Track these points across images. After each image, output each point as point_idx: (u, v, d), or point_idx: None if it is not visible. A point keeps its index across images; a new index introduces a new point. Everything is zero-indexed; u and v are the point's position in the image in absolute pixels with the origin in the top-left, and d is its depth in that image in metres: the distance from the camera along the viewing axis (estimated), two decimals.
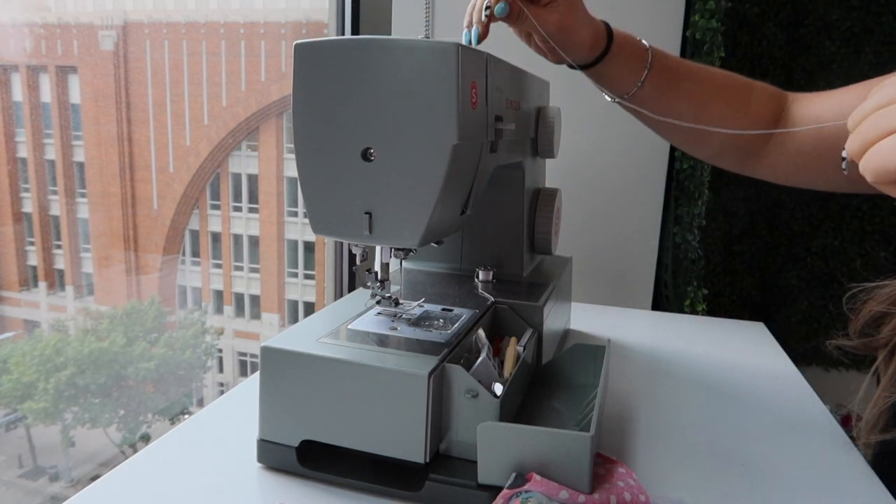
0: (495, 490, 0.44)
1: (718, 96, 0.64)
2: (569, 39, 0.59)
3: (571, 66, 0.65)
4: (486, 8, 0.56)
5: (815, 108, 0.63)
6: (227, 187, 5.18)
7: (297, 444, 0.47)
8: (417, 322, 0.54)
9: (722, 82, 0.65)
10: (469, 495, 0.44)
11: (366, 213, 0.45)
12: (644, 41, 0.64)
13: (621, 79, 0.63)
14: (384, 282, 0.56)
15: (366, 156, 0.43)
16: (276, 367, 0.49)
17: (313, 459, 0.48)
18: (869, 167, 0.35)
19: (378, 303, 0.56)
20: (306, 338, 0.50)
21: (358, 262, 0.52)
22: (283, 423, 0.48)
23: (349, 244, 0.51)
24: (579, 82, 1.19)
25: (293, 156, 0.46)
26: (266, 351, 0.49)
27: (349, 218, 0.45)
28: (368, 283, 0.56)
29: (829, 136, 0.59)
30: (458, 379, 0.45)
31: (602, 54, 0.62)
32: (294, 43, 0.45)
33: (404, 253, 0.52)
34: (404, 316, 0.55)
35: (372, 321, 0.54)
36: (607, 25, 0.63)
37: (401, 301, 0.57)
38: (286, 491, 0.47)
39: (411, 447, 0.44)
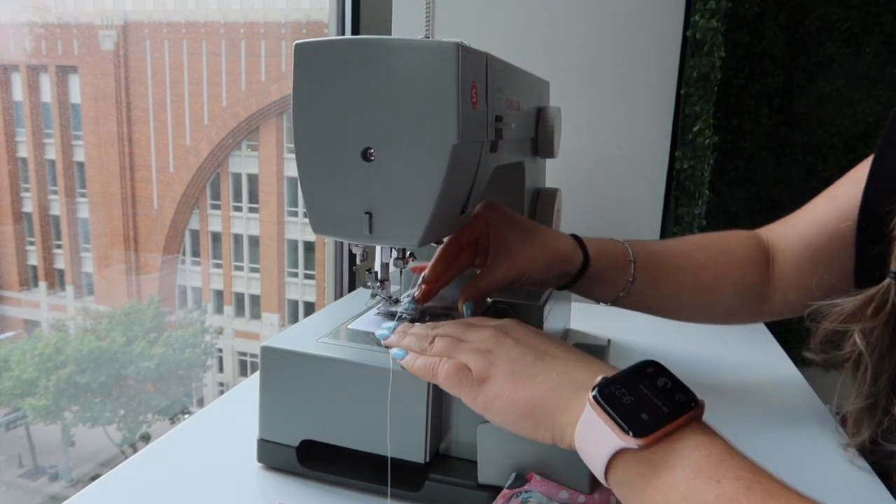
0: (495, 490, 0.44)
1: (706, 261, 0.64)
2: (542, 276, 0.56)
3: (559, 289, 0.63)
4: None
5: (795, 229, 0.64)
6: (227, 187, 5.18)
7: (296, 444, 0.47)
8: (417, 322, 0.54)
9: (703, 245, 0.66)
10: (469, 495, 0.44)
11: (366, 212, 0.44)
12: (615, 238, 0.62)
13: (612, 281, 0.61)
14: (384, 281, 0.56)
15: (366, 156, 0.43)
16: (276, 366, 0.49)
17: (313, 459, 0.48)
18: None
19: (378, 302, 0.56)
20: (306, 337, 0.50)
21: (358, 261, 0.52)
22: (283, 422, 0.48)
23: (349, 244, 0.51)
24: (579, 82, 1.20)
25: (293, 155, 0.46)
26: (266, 351, 0.49)
27: (349, 218, 0.45)
28: (368, 283, 0.56)
29: (821, 248, 0.60)
30: None
31: (581, 271, 0.59)
32: (294, 43, 0.45)
33: (403, 262, 0.52)
34: (404, 316, 0.55)
35: (372, 321, 0.54)
36: (578, 239, 0.59)
37: (398, 300, 0.57)
38: (286, 491, 0.47)
39: (411, 447, 0.44)
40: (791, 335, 0.99)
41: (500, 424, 0.40)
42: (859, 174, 0.60)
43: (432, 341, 0.44)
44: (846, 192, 0.61)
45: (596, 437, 0.34)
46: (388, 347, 0.46)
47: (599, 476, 0.35)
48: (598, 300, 0.63)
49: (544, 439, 0.38)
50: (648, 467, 0.33)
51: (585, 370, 0.39)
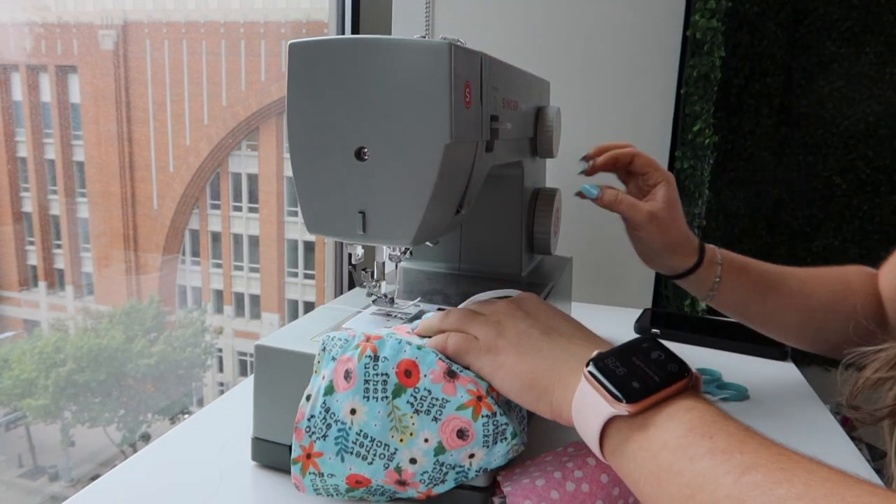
0: (486, 490, 0.44)
1: (820, 286, 0.65)
2: (659, 234, 0.62)
3: (666, 276, 0.68)
4: (583, 158, 0.65)
5: (893, 271, 0.62)
6: (227, 187, 5.19)
7: (291, 443, 0.47)
8: (412, 321, 0.54)
9: (818, 273, 0.67)
10: (464, 495, 0.44)
11: (359, 212, 0.44)
12: (711, 246, 0.67)
13: (705, 280, 0.65)
14: (379, 281, 0.55)
15: (359, 155, 0.43)
16: (271, 365, 0.48)
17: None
18: None
19: (374, 301, 0.56)
20: (301, 336, 0.50)
21: (353, 261, 0.52)
22: (278, 421, 0.48)
23: (347, 244, 0.50)
24: (579, 82, 1.19)
25: None
26: (260, 349, 0.49)
27: (343, 217, 0.45)
28: (364, 283, 0.56)
29: None
30: None
31: (693, 267, 0.64)
32: (288, 42, 0.45)
33: (398, 257, 0.52)
34: (399, 315, 0.55)
35: (367, 321, 0.54)
36: (700, 241, 0.65)
37: (396, 301, 0.56)
38: (280, 489, 0.47)
39: None
40: None
41: (504, 393, 0.41)
42: None
43: (447, 315, 0.46)
44: None
45: (589, 408, 0.35)
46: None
47: (595, 448, 0.35)
48: (695, 295, 0.68)
49: (544, 413, 0.39)
50: (640, 432, 0.33)
51: (587, 348, 0.40)
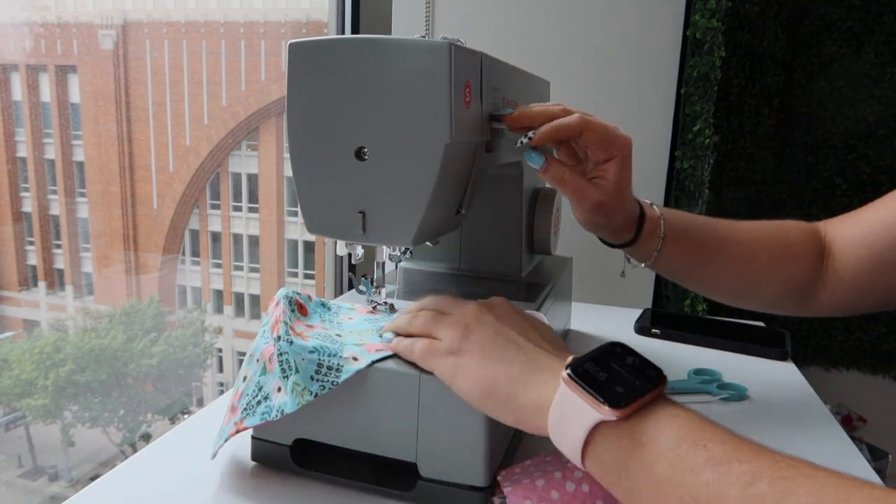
0: (487, 490, 0.44)
1: (760, 250, 0.63)
2: (602, 219, 0.56)
3: (600, 240, 0.64)
4: (526, 136, 0.50)
5: (856, 229, 0.62)
6: (226, 187, 5.19)
7: (290, 443, 0.47)
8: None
9: (760, 236, 0.64)
10: (461, 495, 0.44)
11: (359, 212, 0.44)
12: (656, 209, 0.61)
13: (644, 251, 0.62)
14: (379, 287, 0.55)
15: (359, 155, 0.43)
16: None
17: (307, 458, 0.47)
18: None
19: (373, 308, 0.56)
20: None
21: (353, 260, 0.52)
22: (277, 421, 0.48)
23: (344, 244, 0.50)
24: (579, 82, 1.19)
25: None
26: None
27: (343, 217, 0.45)
28: (361, 288, 0.56)
29: (884, 250, 0.58)
30: None
31: (630, 241, 0.60)
32: (288, 42, 0.45)
33: (398, 257, 0.52)
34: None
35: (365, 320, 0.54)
36: (641, 209, 0.60)
37: (396, 308, 0.56)
38: (279, 489, 0.47)
39: (404, 446, 0.44)
40: (792, 335, 0.98)
41: (463, 398, 0.41)
42: None
43: (415, 317, 0.46)
44: None
45: (572, 414, 0.34)
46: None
47: (576, 457, 0.35)
48: (636, 259, 0.63)
49: (506, 420, 0.39)
50: (630, 440, 0.33)
51: (554, 359, 0.39)
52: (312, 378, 0.43)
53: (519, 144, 0.51)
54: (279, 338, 0.44)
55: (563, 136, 0.51)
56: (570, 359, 0.36)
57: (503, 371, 0.39)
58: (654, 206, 0.62)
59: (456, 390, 0.41)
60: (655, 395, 0.34)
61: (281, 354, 0.44)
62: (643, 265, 0.63)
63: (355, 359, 0.44)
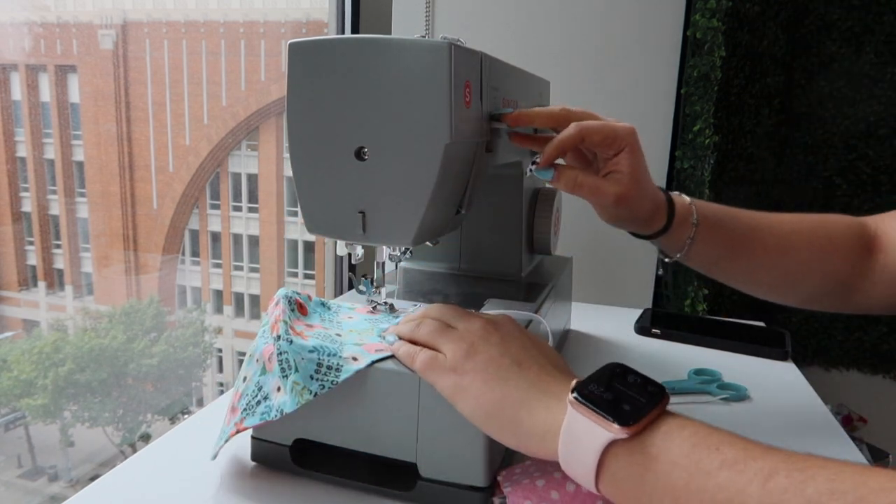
0: (487, 490, 0.44)
1: (800, 242, 0.60)
2: (627, 212, 0.55)
3: (632, 234, 0.61)
4: (532, 163, 0.52)
5: None
6: (226, 187, 5.19)
7: (290, 443, 0.47)
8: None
9: (802, 227, 0.61)
10: (460, 495, 0.44)
11: (359, 212, 0.44)
12: (685, 198, 0.59)
13: (677, 241, 0.59)
14: (379, 287, 0.55)
15: (359, 155, 0.43)
16: None
17: (307, 458, 0.47)
18: None
19: (374, 309, 0.56)
20: None
21: (353, 260, 0.52)
22: (277, 421, 0.48)
23: (344, 244, 0.50)
24: (579, 82, 1.19)
25: None
26: None
27: (343, 217, 0.45)
28: (361, 288, 0.56)
29: None
30: None
31: (662, 230, 0.58)
32: (288, 42, 0.45)
33: (398, 257, 0.52)
34: (398, 318, 0.55)
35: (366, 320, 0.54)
36: (668, 196, 0.58)
37: (396, 308, 0.56)
38: (279, 489, 0.47)
39: (403, 446, 0.44)
40: (792, 335, 0.98)
41: (466, 417, 0.40)
42: None
43: (421, 324, 0.45)
44: None
45: (583, 436, 0.34)
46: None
47: (589, 480, 0.35)
48: (666, 254, 0.61)
49: (507, 443, 0.39)
50: (642, 455, 0.33)
51: (559, 383, 0.39)
52: (312, 377, 0.43)
53: (529, 173, 0.52)
54: (279, 337, 0.44)
55: (566, 149, 0.52)
56: (574, 382, 0.37)
57: (507, 395, 0.39)
58: (683, 196, 0.60)
59: (457, 408, 0.41)
60: (660, 410, 0.35)
61: (280, 354, 0.44)
62: (677, 257, 0.60)
63: (355, 359, 0.44)
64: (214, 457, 0.47)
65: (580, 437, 0.35)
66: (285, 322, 0.46)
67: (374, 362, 0.44)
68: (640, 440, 0.33)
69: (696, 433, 0.33)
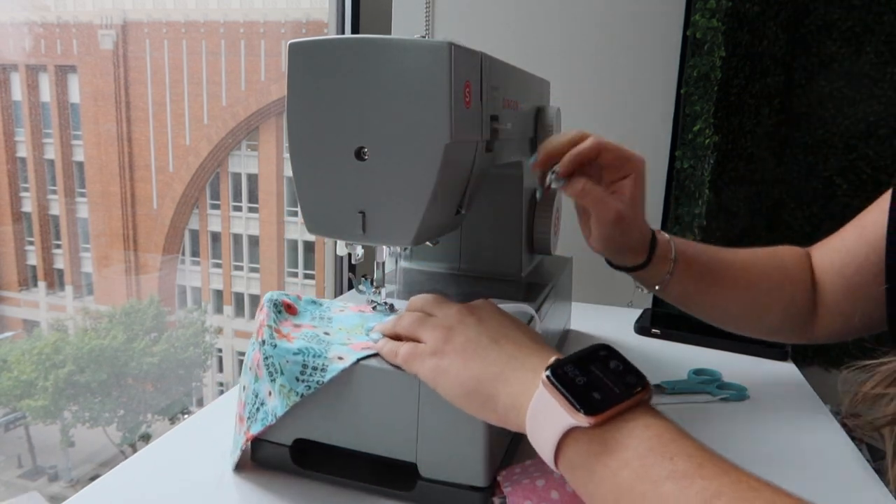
0: (487, 490, 0.44)
1: (760, 275, 0.64)
2: (619, 234, 0.58)
3: (610, 265, 0.65)
4: (552, 172, 0.55)
5: (829, 256, 0.63)
6: (226, 187, 5.19)
7: (290, 443, 0.47)
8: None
9: (758, 260, 0.65)
10: (460, 495, 0.44)
11: (359, 212, 0.44)
12: (665, 234, 0.63)
13: (655, 275, 0.63)
14: (379, 287, 0.55)
15: (359, 155, 0.43)
16: None
17: (307, 458, 0.47)
18: None
19: (374, 309, 0.56)
20: None
21: (353, 260, 0.52)
22: (277, 421, 0.48)
23: (344, 244, 0.50)
24: (579, 82, 1.19)
25: None
26: None
27: (343, 217, 0.45)
28: (361, 288, 0.56)
29: (852, 276, 0.59)
30: None
31: (643, 263, 0.61)
32: (288, 42, 0.45)
33: (398, 256, 0.52)
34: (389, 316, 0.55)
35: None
36: (652, 232, 0.62)
37: (396, 308, 0.56)
38: (279, 489, 0.47)
39: (403, 446, 0.44)
40: None
41: (447, 399, 0.40)
42: (885, 204, 0.58)
43: (401, 318, 0.46)
44: (874, 221, 0.59)
45: (547, 417, 0.34)
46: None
47: (549, 458, 0.35)
48: (643, 287, 0.65)
49: (490, 419, 0.39)
50: (600, 446, 0.33)
51: (537, 356, 0.39)
52: (297, 379, 0.43)
53: (549, 184, 0.55)
54: (263, 342, 0.45)
55: (584, 161, 0.55)
56: (552, 359, 0.36)
57: (484, 371, 0.39)
58: (664, 233, 0.63)
59: (439, 391, 0.41)
60: (634, 403, 0.34)
61: (266, 358, 0.44)
62: (653, 290, 0.63)
63: (340, 358, 0.45)
64: (234, 466, 0.48)
65: (544, 416, 0.34)
66: (269, 326, 0.47)
67: (359, 360, 0.44)
68: (602, 431, 0.33)
69: (659, 437, 0.32)
